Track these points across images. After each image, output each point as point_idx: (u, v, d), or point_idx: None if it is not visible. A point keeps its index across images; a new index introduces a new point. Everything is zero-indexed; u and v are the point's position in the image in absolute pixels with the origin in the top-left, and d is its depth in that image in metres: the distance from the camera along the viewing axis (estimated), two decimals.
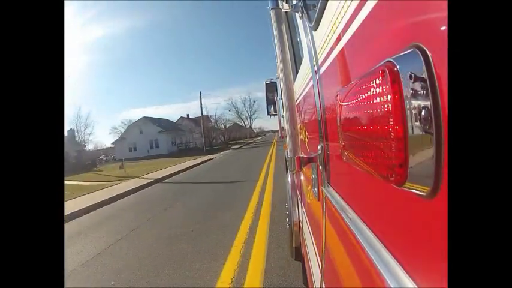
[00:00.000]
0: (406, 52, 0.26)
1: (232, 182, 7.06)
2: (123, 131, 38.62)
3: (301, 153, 0.80)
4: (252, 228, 3.32)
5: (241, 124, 68.25)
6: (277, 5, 0.80)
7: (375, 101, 0.32)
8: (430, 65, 0.24)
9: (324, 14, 0.61)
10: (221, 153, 21.16)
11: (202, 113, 30.02)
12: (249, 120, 70.64)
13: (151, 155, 31.01)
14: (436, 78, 0.23)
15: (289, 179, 2.11)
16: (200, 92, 29.12)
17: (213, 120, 41.84)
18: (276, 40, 0.78)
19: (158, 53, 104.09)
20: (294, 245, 1.96)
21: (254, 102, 68.57)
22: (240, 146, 29.64)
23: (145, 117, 36.13)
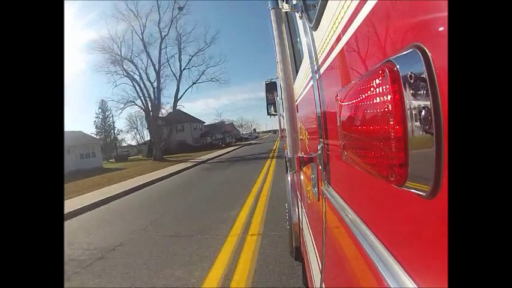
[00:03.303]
0: (406, 52, 0.26)
1: None
2: None
3: (301, 153, 0.80)
4: None
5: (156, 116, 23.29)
6: (277, 5, 0.80)
7: (375, 101, 0.32)
8: (430, 65, 0.24)
9: (324, 14, 0.61)
10: None
11: None
12: (154, 97, 23.39)
13: None
14: (436, 78, 0.23)
15: (289, 179, 2.11)
16: None
17: None
18: (276, 40, 0.78)
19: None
20: (294, 245, 1.96)
21: (179, 35, 24.09)
22: None
23: None
